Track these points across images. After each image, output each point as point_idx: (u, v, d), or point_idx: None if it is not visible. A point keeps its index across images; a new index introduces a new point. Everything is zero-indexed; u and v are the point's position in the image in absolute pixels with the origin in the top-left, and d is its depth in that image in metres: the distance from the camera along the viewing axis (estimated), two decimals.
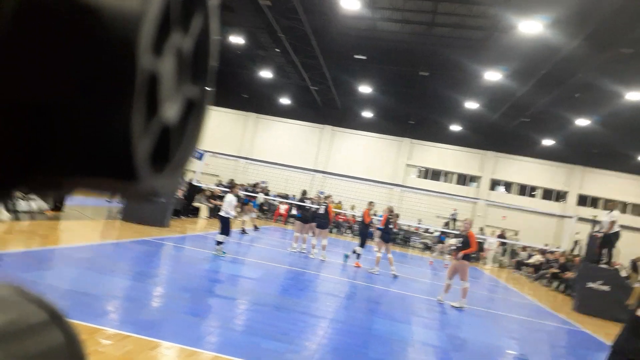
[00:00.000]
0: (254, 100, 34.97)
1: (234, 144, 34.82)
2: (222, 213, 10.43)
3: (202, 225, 16.48)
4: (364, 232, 12.84)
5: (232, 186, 11.06)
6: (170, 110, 0.27)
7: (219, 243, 10.31)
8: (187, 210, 17.79)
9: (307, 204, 14.12)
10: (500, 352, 6.81)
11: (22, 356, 0.27)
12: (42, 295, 0.32)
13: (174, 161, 0.29)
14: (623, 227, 13.83)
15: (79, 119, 0.24)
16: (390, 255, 12.12)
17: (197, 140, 0.30)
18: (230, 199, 10.39)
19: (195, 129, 0.30)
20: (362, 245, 12.65)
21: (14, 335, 0.27)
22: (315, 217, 13.07)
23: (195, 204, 18.61)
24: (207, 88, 0.30)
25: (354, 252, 12.63)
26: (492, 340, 7.39)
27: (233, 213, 10.45)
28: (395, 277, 11.86)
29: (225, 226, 10.25)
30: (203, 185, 18.95)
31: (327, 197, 13.26)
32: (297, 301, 7.49)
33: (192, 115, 0.29)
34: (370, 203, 12.81)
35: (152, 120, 0.26)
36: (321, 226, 12.81)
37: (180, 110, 0.28)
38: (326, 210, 12.72)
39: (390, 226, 12.27)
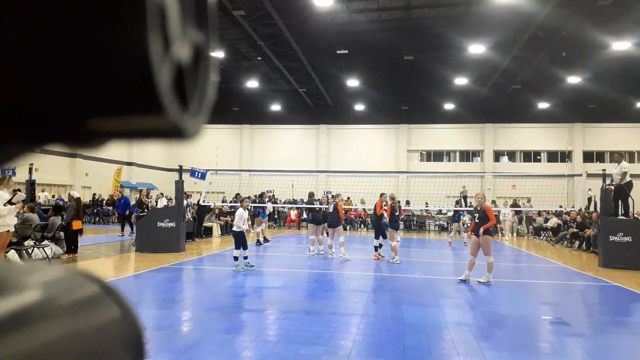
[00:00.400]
0: (246, 112, 35.01)
1: (234, 158, 34.84)
2: (235, 228, 10.42)
3: (217, 244, 16.47)
4: (377, 224, 12.80)
5: (241, 200, 11.04)
6: (182, 50, 0.28)
7: (235, 259, 10.32)
8: (200, 231, 17.79)
9: (316, 205, 14.15)
10: (536, 320, 6.74)
11: (80, 328, 0.27)
12: (92, 272, 0.32)
13: (194, 103, 0.29)
14: (633, 175, 13.73)
15: (96, 48, 0.24)
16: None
17: (210, 86, 0.31)
18: (240, 213, 10.38)
19: (205, 75, 0.30)
20: (378, 237, 12.65)
21: (70, 308, 0.27)
22: (326, 216, 13.07)
23: (207, 224, 18.61)
24: (211, 36, 0.31)
25: (380, 245, 12.74)
26: (527, 310, 7.32)
27: (245, 227, 10.44)
28: (399, 263, 12.01)
29: (239, 240, 10.26)
30: (210, 204, 18.94)
31: (335, 196, 13.23)
32: (325, 303, 7.45)
33: (201, 62, 0.30)
34: (382, 195, 12.77)
35: (167, 54, 0.26)
36: (333, 225, 12.78)
37: (190, 55, 0.29)
38: (335, 208, 12.69)
39: (397, 214, 12.27)
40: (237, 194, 24.22)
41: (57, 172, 25.48)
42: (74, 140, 0.27)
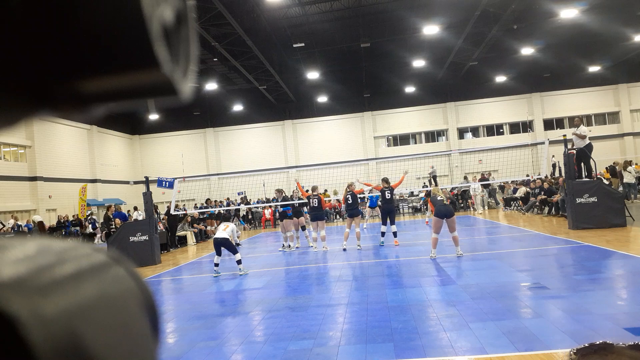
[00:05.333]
0: (207, 115, 34.53)
1: (200, 164, 34.35)
2: (223, 236, 10.17)
3: (193, 252, 16.22)
4: (391, 209, 12.94)
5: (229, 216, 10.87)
6: (166, 12, 0.28)
7: (239, 262, 10.17)
8: (174, 241, 17.48)
9: (295, 201, 14.27)
10: (516, 287, 6.90)
11: (107, 292, 0.28)
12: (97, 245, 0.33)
13: (181, 62, 0.29)
14: (592, 138, 14.20)
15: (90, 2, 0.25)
16: (347, 230, 12.65)
17: (193, 49, 0.31)
18: (233, 228, 10.39)
19: (188, 38, 0.30)
20: (393, 222, 12.88)
21: (81, 276, 0.27)
22: (312, 210, 12.98)
23: (180, 233, 18.29)
24: (189, 2, 0.31)
25: (382, 233, 12.91)
26: (505, 279, 7.48)
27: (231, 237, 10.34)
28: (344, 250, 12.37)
29: (230, 247, 10.15)
30: (181, 213, 18.61)
31: (314, 189, 13.16)
32: (309, 297, 7.43)
33: (182, 25, 0.30)
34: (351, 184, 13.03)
35: (156, 10, 0.27)
36: (318, 218, 12.78)
37: (173, 18, 0.29)
38: (319, 201, 12.70)
39: (350, 202, 12.52)
40: (208, 199, 23.93)
41: (18, 198, 24.54)
42: (73, 105, 0.27)
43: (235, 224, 10.33)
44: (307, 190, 13.75)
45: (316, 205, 12.67)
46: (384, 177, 13.15)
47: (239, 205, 24.90)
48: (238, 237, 14.76)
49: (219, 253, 10.24)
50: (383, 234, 12.92)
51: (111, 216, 15.90)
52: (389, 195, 12.61)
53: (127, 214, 18.39)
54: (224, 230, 10.12)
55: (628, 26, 25.69)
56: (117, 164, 33.40)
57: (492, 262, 9.02)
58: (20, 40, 0.25)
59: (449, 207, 9.76)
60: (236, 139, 34.68)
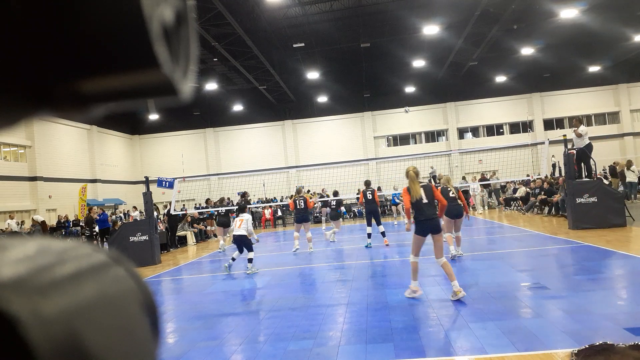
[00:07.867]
0: (207, 115, 34.53)
1: (200, 164, 34.35)
2: (243, 232, 10.12)
3: (193, 252, 16.22)
4: (376, 210, 13.02)
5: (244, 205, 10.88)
6: (166, 12, 0.28)
7: (250, 260, 10.19)
8: (174, 241, 17.47)
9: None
10: (516, 287, 6.89)
11: (107, 292, 0.28)
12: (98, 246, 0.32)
13: (181, 62, 0.29)
14: (592, 138, 14.20)
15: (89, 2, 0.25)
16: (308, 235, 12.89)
17: (193, 49, 0.31)
18: (249, 217, 10.28)
19: (188, 38, 0.31)
20: (379, 223, 12.90)
21: (81, 276, 0.27)
22: (297, 212, 12.95)
23: (180, 233, 18.28)
24: (189, 2, 0.31)
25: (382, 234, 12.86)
26: (506, 279, 7.48)
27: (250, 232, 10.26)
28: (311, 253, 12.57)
29: (247, 244, 10.15)
30: (180, 213, 18.60)
31: (299, 191, 13.25)
32: (310, 296, 7.43)
33: (182, 25, 0.30)
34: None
35: (156, 10, 0.27)
36: (304, 220, 12.82)
37: (173, 18, 0.29)
38: (305, 202, 12.76)
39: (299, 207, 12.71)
40: (208, 199, 23.91)
41: (18, 198, 24.54)
42: (73, 105, 0.27)
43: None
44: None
45: (302, 206, 12.70)
46: (366, 180, 13.26)
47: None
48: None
49: (240, 250, 10.28)
50: (369, 235, 12.79)
51: (94, 218, 15.82)
52: (370, 195, 12.59)
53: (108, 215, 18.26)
54: (240, 227, 10.05)
55: (628, 26, 25.68)
56: (117, 164, 33.39)
57: (492, 262, 9.01)
58: (20, 40, 0.25)
59: (460, 207, 9.31)
60: (236, 139, 34.67)
